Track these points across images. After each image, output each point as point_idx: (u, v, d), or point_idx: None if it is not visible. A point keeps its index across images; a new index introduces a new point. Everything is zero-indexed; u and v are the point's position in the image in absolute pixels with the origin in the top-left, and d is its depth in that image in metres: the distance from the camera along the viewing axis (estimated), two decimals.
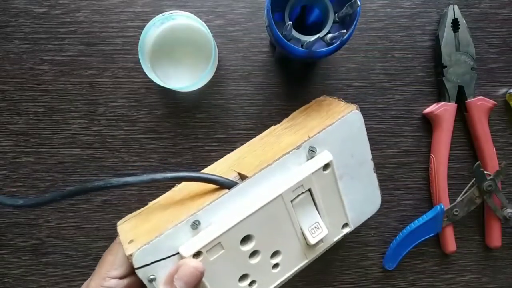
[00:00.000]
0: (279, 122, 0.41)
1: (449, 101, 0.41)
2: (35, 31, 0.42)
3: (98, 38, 0.42)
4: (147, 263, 0.27)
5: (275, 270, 0.32)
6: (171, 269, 0.28)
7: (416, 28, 0.43)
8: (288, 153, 0.31)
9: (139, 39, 0.37)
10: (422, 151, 0.43)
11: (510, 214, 0.41)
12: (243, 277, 0.31)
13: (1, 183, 0.42)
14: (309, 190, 0.32)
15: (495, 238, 0.42)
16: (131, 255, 0.27)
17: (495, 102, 0.41)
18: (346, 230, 0.35)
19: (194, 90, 0.41)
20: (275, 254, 0.32)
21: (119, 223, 0.32)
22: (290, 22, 0.30)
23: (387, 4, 0.42)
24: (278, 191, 0.30)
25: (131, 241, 0.28)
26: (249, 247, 0.30)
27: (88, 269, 0.35)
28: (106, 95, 0.42)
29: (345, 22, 0.33)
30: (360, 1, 0.29)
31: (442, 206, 0.41)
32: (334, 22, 0.33)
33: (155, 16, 0.37)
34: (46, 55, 0.42)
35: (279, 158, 0.31)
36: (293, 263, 0.33)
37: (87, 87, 0.42)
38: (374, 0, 0.42)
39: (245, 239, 0.30)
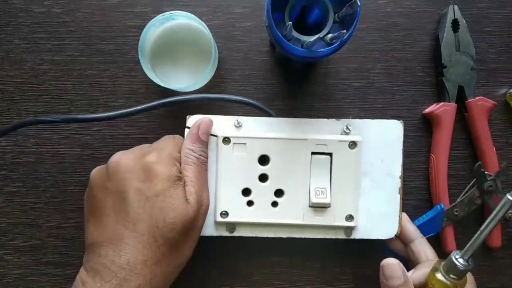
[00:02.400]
0: None
1: (449, 101, 0.41)
2: (35, 31, 0.42)
3: (98, 38, 0.42)
4: None
5: (273, 209, 0.36)
6: (193, 131, 0.36)
7: (416, 28, 0.42)
8: (327, 118, 0.37)
9: (139, 39, 0.37)
10: (422, 151, 0.43)
11: (510, 214, 0.41)
12: (247, 192, 0.36)
13: (1, 183, 0.42)
14: (331, 156, 0.36)
15: (495, 238, 0.42)
16: (188, 116, 0.37)
17: (495, 102, 0.41)
18: (350, 223, 0.36)
19: (194, 90, 0.41)
20: (279, 192, 0.36)
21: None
22: (290, 22, 0.30)
23: (387, 4, 0.42)
24: (305, 136, 0.36)
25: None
26: (263, 167, 0.36)
27: None
28: (106, 95, 0.42)
29: (345, 22, 0.33)
30: (360, 1, 0.29)
31: (442, 206, 0.41)
32: (334, 22, 0.33)
33: (155, 16, 0.37)
34: (46, 55, 0.42)
35: (318, 119, 0.37)
36: (290, 215, 0.36)
37: (87, 87, 0.42)
38: (374, 0, 0.42)
39: (264, 161, 0.36)
